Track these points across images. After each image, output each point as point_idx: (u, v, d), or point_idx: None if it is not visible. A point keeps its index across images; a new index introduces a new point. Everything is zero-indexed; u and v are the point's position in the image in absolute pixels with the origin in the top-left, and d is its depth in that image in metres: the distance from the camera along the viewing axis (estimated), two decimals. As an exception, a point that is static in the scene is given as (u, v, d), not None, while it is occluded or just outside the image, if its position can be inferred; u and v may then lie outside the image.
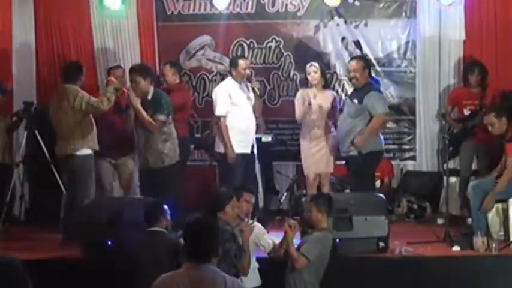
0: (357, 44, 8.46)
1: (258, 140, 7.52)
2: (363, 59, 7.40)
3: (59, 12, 8.54)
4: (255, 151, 7.21)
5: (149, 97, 6.62)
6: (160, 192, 6.05)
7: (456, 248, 6.14)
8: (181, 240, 3.67)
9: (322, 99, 7.12)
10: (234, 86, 7.04)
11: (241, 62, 7.08)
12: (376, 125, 6.79)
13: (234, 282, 3.43)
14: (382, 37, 8.46)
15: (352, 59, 7.29)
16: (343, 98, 8.07)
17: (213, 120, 7.36)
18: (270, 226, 6.54)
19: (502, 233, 6.41)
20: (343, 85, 8.46)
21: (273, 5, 8.51)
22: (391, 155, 8.41)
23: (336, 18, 8.46)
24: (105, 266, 5.42)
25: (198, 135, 8.37)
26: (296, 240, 5.15)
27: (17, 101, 7.97)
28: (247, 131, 7.05)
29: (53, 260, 5.99)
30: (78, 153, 6.62)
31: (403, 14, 8.41)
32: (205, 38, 8.65)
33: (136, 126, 6.72)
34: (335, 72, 8.50)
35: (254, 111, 7.23)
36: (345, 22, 8.47)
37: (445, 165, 7.14)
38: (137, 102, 6.54)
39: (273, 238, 5.33)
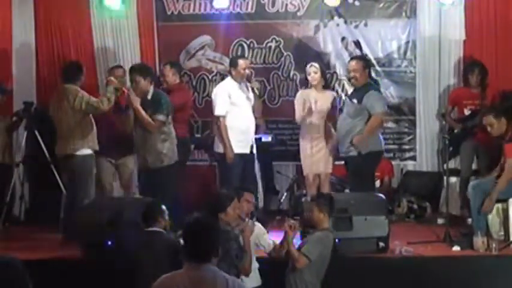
0: (357, 44, 8.46)
1: (258, 140, 7.53)
2: (363, 59, 7.40)
3: (59, 12, 8.54)
4: (254, 151, 7.21)
5: (149, 97, 6.61)
6: (159, 192, 6.06)
7: (456, 248, 6.14)
8: (181, 240, 3.66)
9: (322, 99, 7.11)
10: (233, 86, 7.04)
11: (241, 62, 7.08)
12: (374, 124, 6.79)
13: (235, 282, 3.42)
14: (382, 37, 8.46)
15: (352, 59, 7.29)
16: (343, 98, 8.08)
17: (213, 120, 7.36)
18: (270, 226, 6.54)
19: (502, 233, 6.41)
20: (343, 85, 8.46)
21: (273, 5, 8.51)
22: (391, 155, 8.41)
23: (336, 18, 8.46)
24: (105, 266, 5.41)
25: (198, 135, 8.37)
26: (296, 241, 5.15)
27: (17, 101, 7.97)
28: (247, 131, 7.05)
29: (53, 260, 5.99)
30: (78, 153, 6.62)
31: (403, 14, 8.41)
32: (205, 38, 8.65)
33: (135, 126, 6.72)
34: (335, 72, 8.50)
35: (254, 112, 7.23)
36: (345, 22, 8.46)
37: (445, 165, 7.14)
38: (137, 102, 6.54)
39: (273, 238, 5.33)
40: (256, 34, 8.57)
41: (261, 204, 7.50)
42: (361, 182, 6.68)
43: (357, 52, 8.34)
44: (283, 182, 8.43)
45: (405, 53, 8.45)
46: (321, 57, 8.28)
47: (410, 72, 8.48)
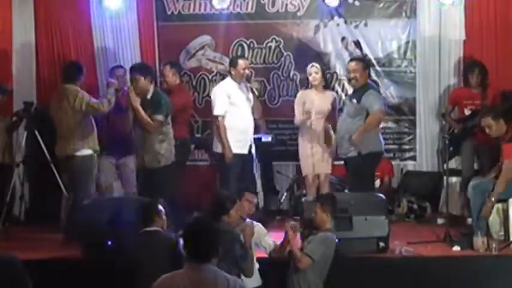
0: (357, 44, 8.45)
1: (258, 140, 7.52)
2: (363, 60, 7.42)
3: (59, 12, 8.53)
4: (253, 151, 7.21)
5: (148, 96, 6.61)
6: (156, 193, 6.05)
7: (456, 248, 6.14)
8: (181, 240, 3.67)
9: (322, 100, 7.11)
10: (233, 86, 7.04)
11: (241, 62, 7.08)
12: (371, 121, 6.76)
13: (236, 282, 3.43)
14: (382, 37, 8.45)
15: (352, 60, 7.29)
16: (343, 98, 8.08)
17: (213, 120, 7.36)
18: (270, 226, 6.54)
19: (502, 233, 6.41)
20: (343, 85, 8.45)
21: (273, 5, 8.51)
22: (391, 155, 8.41)
23: (336, 18, 8.46)
24: (105, 266, 5.41)
25: (198, 135, 8.37)
26: (297, 241, 5.16)
27: (17, 101, 7.96)
28: (246, 131, 7.05)
29: (53, 260, 5.99)
30: (79, 153, 6.63)
31: (403, 14, 8.41)
32: (205, 38, 8.65)
33: (134, 126, 6.72)
34: (335, 72, 8.50)
35: (253, 112, 7.23)
36: (345, 22, 8.46)
37: (445, 165, 7.14)
38: (137, 102, 6.54)
39: (273, 238, 5.33)
40: (256, 34, 8.57)
41: (261, 204, 7.50)
42: (361, 182, 6.67)
43: (357, 52, 8.34)
44: (283, 182, 8.43)
45: (405, 53, 8.45)
46: (321, 57, 8.28)
47: (410, 72, 8.48)
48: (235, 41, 8.58)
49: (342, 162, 7.12)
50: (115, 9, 8.41)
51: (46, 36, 8.58)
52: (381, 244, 5.92)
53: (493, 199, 6.14)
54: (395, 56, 8.47)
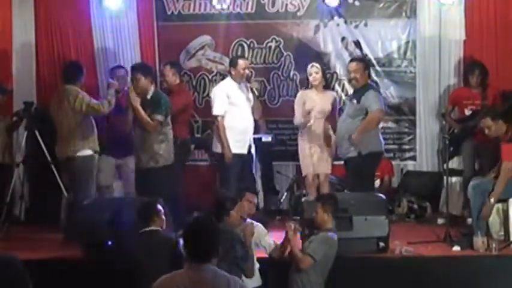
0: (357, 44, 8.45)
1: (258, 140, 7.52)
2: (363, 60, 7.40)
3: (59, 12, 8.53)
4: (253, 151, 7.21)
5: (148, 96, 6.61)
6: (155, 193, 6.03)
7: (456, 248, 6.14)
8: (181, 240, 3.66)
9: (322, 100, 7.11)
10: (232, 86, 7.04)
11: (241, 62, 7.09)
12: (370, 120, 6.75)
13: (236, 282, 3.43)
14: (382, 37, 8.45)
15: (352, 60, 7.29)
16: (343, 98, 8.08)
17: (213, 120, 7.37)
18: (270, 226, 6.54)
19: (502, 233, 6.41)
20: (343, 85, 8.46)
21: (273, 5, 8.51)
22: (391, 155, 8.41)
23: (336, 18, 8.45)
24: (105, 266, 5.41)
25: (198, 135, 8.38)
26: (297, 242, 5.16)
27: (17, 101, 7.96)
28: (245, 131, 7.05)
29: (53, 260, 5.99)
30: (79, 154, 6.64)
31: (403, 14, 8.41)
32: (205, 38, 8.65)
33: (134, 126, 6.72)
34: (335, 72, 8.50)
35: (253, 113, 7.23)
36: (345, 22, 8.46)
37: (445, 165, 7.13)
38: (137, 102, 6.54)
39: (273, 238, 5.33)
40: (256, 34, 8.57)
41: (261, 204, 7.50)
42: (361, 182, 6.66)
43: (357, 52, 8.34)
44: (283, 182, 8.43)
45: (405, 53, 8.45)
46: (321, 57, 8.28)
47: (410, 72, 8.48)
48: (235, 41, 8.58)
49: (342, 162, 7.12)
50: (115, 9, 8.41)
51: (46, 36, 8.58)
52: (381, 244, 5.92)
53: (492, 200, 6.14)
54: (395, 56, 8.47)
